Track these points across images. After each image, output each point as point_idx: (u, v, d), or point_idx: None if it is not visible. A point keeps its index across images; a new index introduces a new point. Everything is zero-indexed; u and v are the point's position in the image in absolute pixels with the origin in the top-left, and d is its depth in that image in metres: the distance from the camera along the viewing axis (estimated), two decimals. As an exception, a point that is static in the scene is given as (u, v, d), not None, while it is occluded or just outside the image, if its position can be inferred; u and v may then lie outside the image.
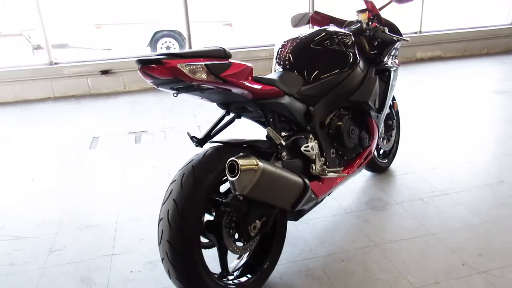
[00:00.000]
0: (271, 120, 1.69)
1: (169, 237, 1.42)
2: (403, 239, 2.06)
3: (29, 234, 2.29)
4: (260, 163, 1.41)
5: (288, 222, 2.09)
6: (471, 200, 2.37)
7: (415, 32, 6.32)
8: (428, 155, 3.00)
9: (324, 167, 1.92)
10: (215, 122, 1.83)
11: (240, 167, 1.37)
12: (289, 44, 2.00)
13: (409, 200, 2.42)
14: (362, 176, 2.72)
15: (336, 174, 1.92)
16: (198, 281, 1.47)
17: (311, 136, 1.87)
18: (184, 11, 5.37)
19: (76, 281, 1.89)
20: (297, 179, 1.60)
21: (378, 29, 2.22)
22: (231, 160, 1.39)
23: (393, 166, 2.85)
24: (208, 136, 1.82)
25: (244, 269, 1.74)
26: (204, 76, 1.39)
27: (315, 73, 1.94)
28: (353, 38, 2.11)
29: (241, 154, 1.45)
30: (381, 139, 2.63)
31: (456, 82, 4.98)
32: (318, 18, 2.44)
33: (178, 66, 1.35)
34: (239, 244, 1.62)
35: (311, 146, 1.82)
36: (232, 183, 1.40)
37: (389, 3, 2.41)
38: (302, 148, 1.79)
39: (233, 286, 1.62)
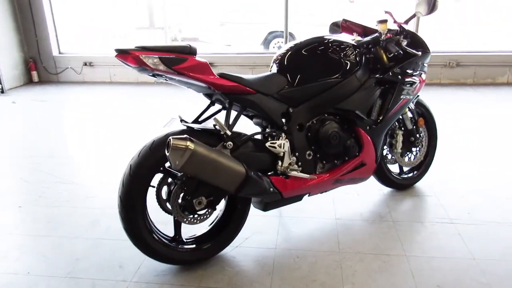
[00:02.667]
0: (236, 113, 1.90)
1: (120, 194, 1.76)
2: (370, 253, 2.03)
3: (81, 182, 2.90)
4: (192, 145, 1.64)
5: (272, 214, 2.30)
6: (477, 236, 2.15)
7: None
8: (466, 182, 2.74)
9: (295, 166, 2.02)
10: (202, 111, 2.10)
11: (171, 144, 1.63)
12: (285, 49, 2.14)
13: (408, 220, 2.31)
14: (378, 189, 2.66)
15: (302, 175, 2.01)
16: (138, 235, 1.79)
17: (283, 135, 2.00)
18: (284, 14, 5.67)
19: (88, 221, 2.38)
20: (238, 167, 1.77)
21: (392, 40, 2.18)
22: (168, 138, 1.66)
23: (419, 185, 2.70)
24: (196, 122, 2.10)
25: (196, 240, 1.99)
26: (161, 67, 1.68)
27: (302, 77, 2.04)
28: (352, 48, 2.14)
29: (184, 136, 1.70)
30: (398, 154, 2.53)
31: None
32: (346, 26, 2.48)
33: (141, 57, 1.66)
34: (190, 216, 1.87)
35: (278, 144, 1.95)
36: (168, 157, 1.67)
37: (413, 16, 2.32)
38: (267, 144, 1.94)
39: (172, 249, 1.88)
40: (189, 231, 2.04)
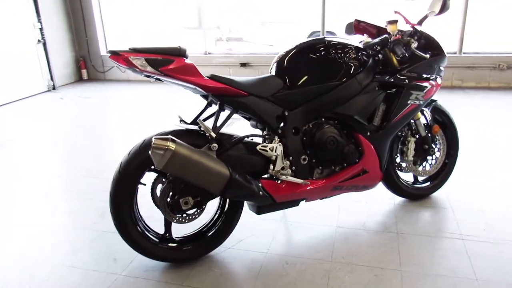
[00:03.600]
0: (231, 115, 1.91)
1: (110, 190, 1.83)
2: (363, 265, 1.94)
3: (106, 176, 3.04)
4: (173, 145, 1.67)
5: (272, 217, 2.29)
6: (487, 256, 1.98)
7: None
8: (490, 196, 2.53)
9: (288, 170, 1.99)
10: (200, 111, 2.12)
11: (152, 144, 1.66)
12: (285, 51, 2.10)
13: (413, 233, 2.18)
14: (389, 198, 2.53)
15: (295, 179, 1.96)
16: (124, 229, 1.85)
17: (276, 138, 1.97)
18: (322, 11, 5.58)
19: (97, 214, 2.50)
20: (221, 169, 1.76)
21: (400, 42, 2.07)
22: (152, 138, 1.70)
23: (435, 196, 2.54)
24: (194, 122, 2.12)
25: (182, 239, 2.01)
26: (149, 69, 1.73)
27: (298, 79, 1.99)
28: (354, 50, 2.05)
29: (167, 136, 1.73)
30: (411, 162, 2.38)
31: None
32: (359, 27, 2.40)
33: (130, 58, 1.72)
34: (178, 215, 1.90)
35: (270, 147, 1.93)
36: (151, 157, 1.70)
37: (426, 16, 2.18)
38: (258, 147, 1.92)
39: (153, 244, 1.92)
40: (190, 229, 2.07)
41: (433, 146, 2.40)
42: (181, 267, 1.97)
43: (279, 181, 1.98)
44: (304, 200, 2.11)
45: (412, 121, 2.32)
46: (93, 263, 2.03)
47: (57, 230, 2.35)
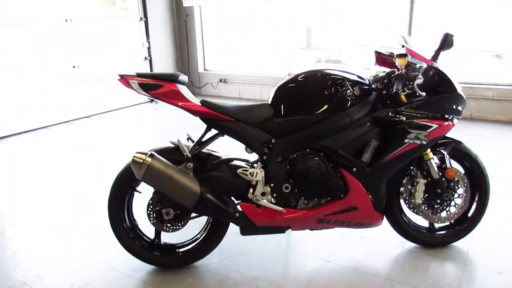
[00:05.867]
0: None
1: (109, 196, 2.11)
2: (329, 304, 1.88)
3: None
4: (149, 160, 1.87)
5: (268, 240, 2.37)
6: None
7: None
8: (523, 258, 2.18)
9: (269, 197, 2.04)
10: (202, 134, 2.28)
11: (132, 157, 1.90)
12: (284, 80, 2.16)
13: (404, 283, 2.01)
14: (401, 241, 2.35)
15: (272, 206, 2.00)
16: (117, 230, 2.11)
17: (259, 163, 2.04)
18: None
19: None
20: (193, 186, 1.90)
21: (401, 77, 1.96)
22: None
23: (455, 247, 2.29)
24: (199, 141, 2.30)
25: (160, 245, 2.20)
26: (142, 92, 1.98)
27: (288, 109, 2.04)
28: (349, 83, 2.02)
29: (148, 151, 1.95)
30: (422, 207, 2.19)
31: None
32: (380, 58, 2.34)
33: (129, 81, 2.00)
34: (162, 224, 2.09)
35: (250, 172, 2.02)
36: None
37: (438, 52, 2.03)
38: (239, 170, 2.02)
39: (131, 240, 2.13)
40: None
41: (449, 191, 2.17)
42: (164, 272, 2.16)
43: (256, 206, 2.04)
44: (290, 229, 2.13)
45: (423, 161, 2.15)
46: (101, 255, 2.33)
47: (98, 224, 2.75)
